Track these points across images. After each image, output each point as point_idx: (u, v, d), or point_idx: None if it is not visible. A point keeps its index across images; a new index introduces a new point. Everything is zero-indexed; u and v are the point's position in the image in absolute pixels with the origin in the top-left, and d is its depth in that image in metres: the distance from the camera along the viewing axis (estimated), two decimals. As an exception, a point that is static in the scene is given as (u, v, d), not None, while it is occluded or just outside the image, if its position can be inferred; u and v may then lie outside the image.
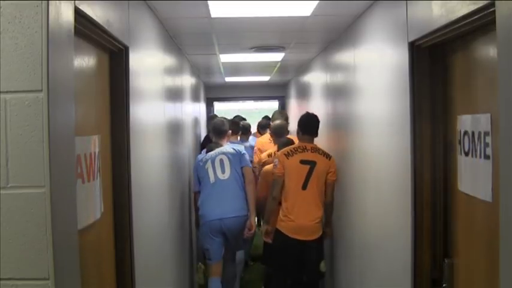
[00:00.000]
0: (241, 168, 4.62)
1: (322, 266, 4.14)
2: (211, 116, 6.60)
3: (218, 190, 4.54)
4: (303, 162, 4.07)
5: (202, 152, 5.20)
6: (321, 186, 4.08)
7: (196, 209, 4.76)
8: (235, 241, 4.67)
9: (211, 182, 4.56)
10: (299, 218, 4.03)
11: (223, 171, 4.58)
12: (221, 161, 4.62)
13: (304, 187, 4.04)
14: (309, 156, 4.10)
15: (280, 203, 4.16)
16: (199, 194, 4.68)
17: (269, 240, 4.23)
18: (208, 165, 4.63)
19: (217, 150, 4.74)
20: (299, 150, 4.15)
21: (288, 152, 4.16)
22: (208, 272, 4.75)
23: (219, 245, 4.56)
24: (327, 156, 4.15)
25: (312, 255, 4.07)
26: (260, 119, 7.69)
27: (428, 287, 2.34)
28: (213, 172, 4.57)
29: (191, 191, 5.23)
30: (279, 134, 5.28)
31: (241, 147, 4.90)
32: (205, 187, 4.60)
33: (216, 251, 4.57)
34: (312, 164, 4.06)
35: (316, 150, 4.17)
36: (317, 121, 4.34)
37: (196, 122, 6.72)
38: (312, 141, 4.27)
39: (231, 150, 4.71)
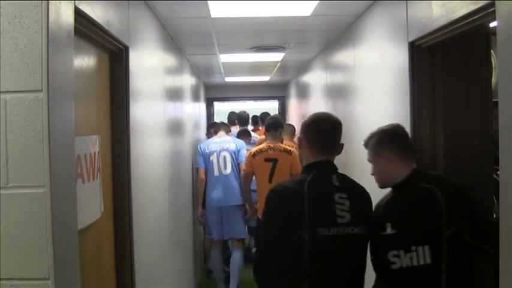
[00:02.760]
0: (239, 163, 5.43)
1: None
2: (211, 124, 6.67)
3: (220, 183, 5.39)
4: (266, 160, 4.79)
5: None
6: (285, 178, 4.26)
7: (200, 182, 5.51)
8: (231, 227, 5.39)
9: (215, 175, 5.42)
10: None
11: (225, 167, 5.43)
12: (224, 158, 5.44)
13: (269, 180, 4.67)
14: (271, 154, 4.79)
15: None
16: (202, 169, 5.49)
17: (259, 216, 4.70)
18: (214, 157, 5.44)
19: (221, 144, 5.52)
20: (263, 150, 4.84)
21: (254, 152, 4.88)
22: (210, 245, 5.70)
23: (220, 224, 5.40)
24: (288, 152, 4.77)
25: None
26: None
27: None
28: (217, 166, 5.43)
29: (191, 191, 5.35)
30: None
31: (241, 143, 5.64)
32: (210, 177, 5.45)
33: (217, 228, 5.41)
34: (274, 161, 4.75)
35: (277, 149, 4.81)
36: (281, 121, 5.21)
37: (196, 122, 6.72)
38: (277, 140, 4.93)
39: (233, 147, 5.52)
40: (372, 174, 2.30)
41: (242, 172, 5.22)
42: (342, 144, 2.31)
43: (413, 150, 2.25)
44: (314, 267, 2.09)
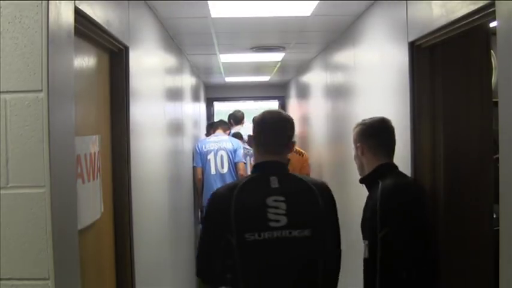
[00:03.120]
0: (235, 163, 5.61)
1: None
2: (210, 124, 6.73)
3: (217, 181, 5.46)
4: None
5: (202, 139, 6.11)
6: None
7: (198, 182, 5.64)
8: None
9: (212, 173, 5.55)
10: None
11: (222, 166, 5.58)
12: (221, 157, 5.58)
13: None
14: None
15: None
16: (199, 169, 5.62)
17: None
18: (211, 156, 5.58)
19: (219, 143, 5.67)
20: None
21: None
22: None
23: None
24: (300, 154, 5.24)
25: None
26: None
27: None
28: (215, 165, 5.57)
29: (191, 190, 5.36)
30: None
31: (237, 142, 5.81)
32: (207, 176, 5.57)
33: None
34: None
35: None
36: None
37: (196, 122, 6.72)
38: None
39: (230, 146, 5.68)
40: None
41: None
42: (293, 143, 2.21)
43: (392, 146, 2.35)
44: (246, 273, 2.03)
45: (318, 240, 2.06)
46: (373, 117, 2.41)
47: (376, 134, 2.34)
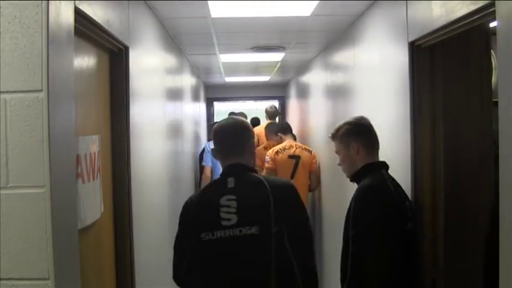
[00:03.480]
0: None
1: None
2: (212, 124, 6.74)
3: None
4: (290, 157, 5.13)
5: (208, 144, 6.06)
6: (305, 174, 5.13)
7: (207, 180, 5.57)
8: None
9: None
10: None
11: None
12: None
13: (292, 176, 4.99)
14: (295, 152, 5.19)
15: None
16: (208, 168, 5.68)
17: None
18: None
19: None
20: (286, 148, 5.19)
21: (278, 150, 5.19)
22: None
23: None
24: (309, 151, 5.23)
25: None
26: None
27: (429, 287, 2.34)
28: None
29: (192, 190, 5.35)
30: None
31: None
32: (216, 175, 5.32)
33: None
34: (297, 158, 5.13)
35: (300, 147, 5.26)
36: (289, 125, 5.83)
37: (196, 122, 6.72)
38: (295, 139, 5.58)
39: None
40: (339, 164, 2.52)
41: (264, 169, 5.12)
42: (252, 144, 2.29)
43: (377, 142, 2.47)
44: (204, 272, 2.11)
45: (266, 239, 2.06)
46: (354, 117, 2.54)
47: (368, 132, 2.46)
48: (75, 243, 1.58)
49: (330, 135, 2.58)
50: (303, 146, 5.34)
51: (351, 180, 2.51)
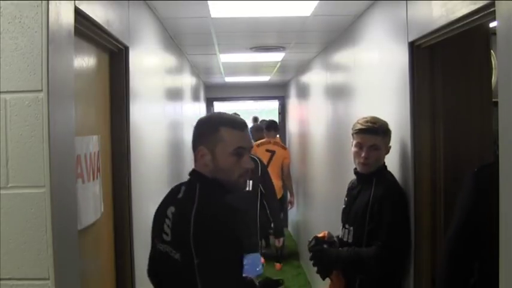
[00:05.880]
0: None
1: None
2: None
3: None
4: (267, 150, 6.57)
5: None
6: (278, 166, 6.63)
7: None
8: None
9: None
10: None
11: None
12: None
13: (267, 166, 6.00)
14: (271, 147, 6.64)
15: None
16: None
17: None
18: None
19: None
20: (265, 143, 6.67)
21: (259, 143, 6.62)
22: None
23: None
24: (284, 148, 6.86)
25: None
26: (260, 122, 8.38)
27: (429, 287, 2.34)
28: None
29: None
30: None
31: None
32: None
33: None
34: (273, 152, 6.58)
35: (276, 144, 6.74)
36: (277, 124, 7.17)
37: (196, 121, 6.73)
38: (275, 136, 6.83)
39: None
40: (366, 158, 2.52)
41: None
42: (199, 149, 1.81)
43: None
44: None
45: (188, 269, 1.62)
46: (375, 117, 2.57)
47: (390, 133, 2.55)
48: (75, 243, 1.58)
49: (370, 127, 2.48)
50: (280, 144, 6.85)
51: (368, 175, 2.54)
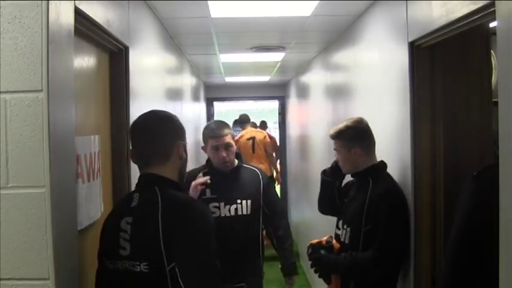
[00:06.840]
0: None
1: None
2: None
3: None
4: (248, 139, 7.31)
5: None
6: (262, 148, 7.33)
7: None
8: None
9: None
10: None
11: None
12: None
13: (253, 151, 7.22)
14: (250, 134, 7.41)
15: None
16: None
17: None
18: None
19: None
20: (243, 134, 7.43)
21: (239, 137, 7.23)
22: None
23: None
24: (261, 132, 7.64)
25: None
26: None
27: (429, 287, 2.34)
28: None
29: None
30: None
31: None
32: None
33: None
34: (253, 138, 7.32)
35: (254, 131, 7.59)
36: (248, 118, 7.92)
37: (196, 122, 6.72)
38: (255, 126, 8.09)
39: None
40: (336, 162, 2.69)
41: None
42: (176, 146, 1.76)
43: (374, 143, 2.59)
44: None
45: (157, 277, 1.58)
46: (353, 120, 2.63)
47: (367, 136, 2.59)
48: (75, 243, 1.58)
49: (330, 134, 2.64)
50: (257, 130, 7.82)
51: (352, 176, 2.67)
